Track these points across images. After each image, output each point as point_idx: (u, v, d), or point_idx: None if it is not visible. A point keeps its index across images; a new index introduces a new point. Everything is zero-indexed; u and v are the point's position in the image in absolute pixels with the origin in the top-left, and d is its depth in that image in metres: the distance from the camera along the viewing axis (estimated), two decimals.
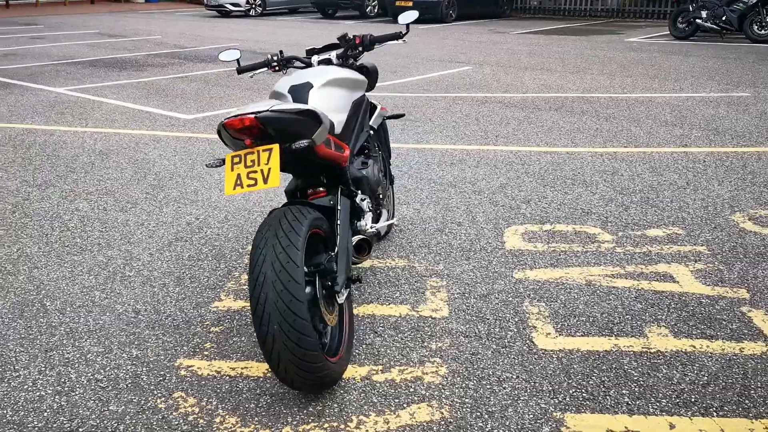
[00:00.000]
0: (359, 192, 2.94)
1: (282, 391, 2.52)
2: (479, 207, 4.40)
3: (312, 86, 2.91)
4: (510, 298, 3.21)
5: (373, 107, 3.45)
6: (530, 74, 9.74)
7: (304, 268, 2.47)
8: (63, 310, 3.13)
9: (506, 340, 2.85)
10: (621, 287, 3.30)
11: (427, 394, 2.50)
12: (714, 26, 13.27)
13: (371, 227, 2.90)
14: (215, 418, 2.38)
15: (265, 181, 2.25)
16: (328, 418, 2.37)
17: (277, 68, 3.33)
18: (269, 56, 3.30)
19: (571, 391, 2.51)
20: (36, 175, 5.14)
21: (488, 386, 2.55)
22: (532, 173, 5.10)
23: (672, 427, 2.30)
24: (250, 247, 3.75)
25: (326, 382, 2.37)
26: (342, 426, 2.33)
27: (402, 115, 3.83)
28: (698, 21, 13.39)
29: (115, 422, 2.35)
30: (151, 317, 3.06)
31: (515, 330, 2.93)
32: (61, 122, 6.88)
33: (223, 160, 2.40)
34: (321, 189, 2.88)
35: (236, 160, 2.30)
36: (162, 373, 2.64)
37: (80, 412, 2.41)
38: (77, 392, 2.52)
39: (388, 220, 3.25)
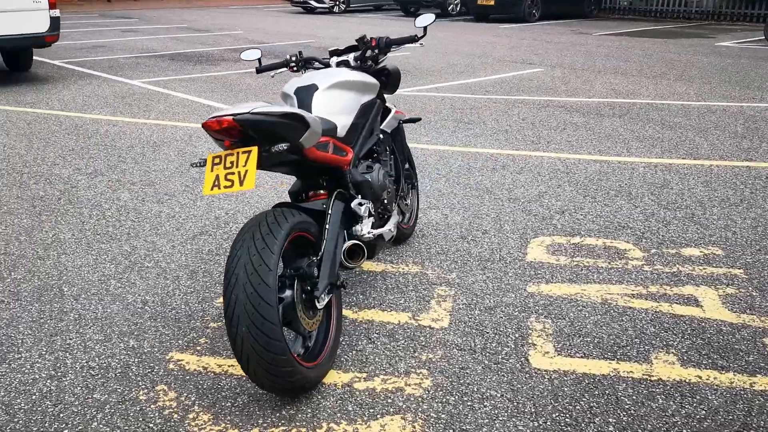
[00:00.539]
0: (359, 196, 2.91)
1: (260, 393, 2.53)
2: (510, 215, 4.28)
3: (317, 88, 2.91)
4: (516, 313, 3.10)
5: (387, 110, 3.41)
6: (602, 78, 9.41)
7: (283, 271, 2.47)
8: (78, 296, 3.26)
9: (500, 357, 2.76)
10: (638, 308, 3.14)
11: (404, 406, 2.45)
12: None
13: (370, 233, 2.86)
14: (189, 413, 2.42)
15: (241, 183, 2.25)
16: (298, 423, 2.36)
17: (295, 69, 3.34)
18: (288, 56, 3.32)
19: (554, 415, 2.40)
20: (89, 164, 5.37)
21: (469, 403, 2.47)
22: (575, 182, 4.92)
23: None
24: None
25: (297, 387, 2.36)
26: None
27: (418, 119, 3.77)
28: None
29: (95, 410, 2.42)
30: (156, 309, 3.14)
31: (512, 346, 2.83)
32: (126, 113, 7.17)
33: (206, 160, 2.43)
34: (321, 192, 2.87)
35: (217, 160, 2.32)
36: (151, 365, 2.71)
37: (66, 397, 2.49)
38: (68, 378, 2.61)
39: (393, 225, 3.20)
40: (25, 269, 3.54)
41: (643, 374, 2.64)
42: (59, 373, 2.64)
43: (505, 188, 4.79)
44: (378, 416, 2.40)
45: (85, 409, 2.43)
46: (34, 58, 11.19)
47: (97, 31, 15.77)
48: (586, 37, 14.75)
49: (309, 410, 2.43)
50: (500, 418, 2.38)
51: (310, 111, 2.87)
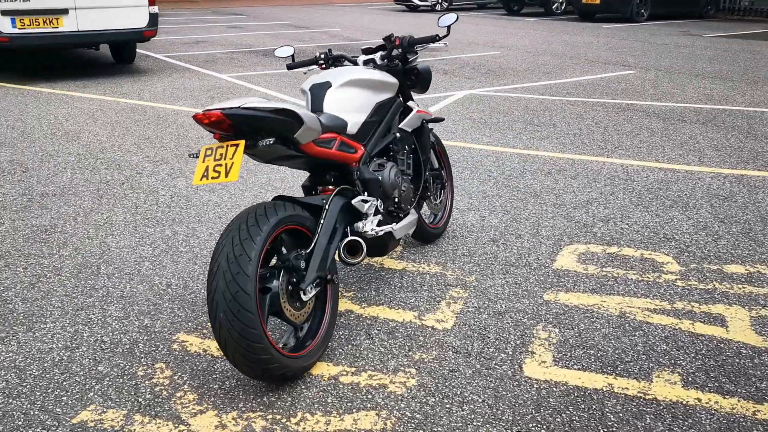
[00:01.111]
0: (365, 193, 2.94)
1: (247, 379, 2.61)
2: (550, 221, 4.17)
3: (330, 85, 2.97)
4: (525, 320, 3.04)
5: (408, 110, 3.41)
6: (697, 82, 8.93)
7: (265, 261, 2.54)
8: (111, 275, 3.48)
9: (494, 362, 2.72)
10: (656, 324, 2.99)
11: (383, 403, 2.47)
12: None
13: (373, 230, 2.88)
14: (178, 392, 2.54)
15: (227, 174, 2.34)
16: (275, 410, 2.43)
17: (324, 66, 3.41)
18: (318, 54, 3.39)
19: (531, 425, 2.35)
20: (158, 152, 5.68)
21: (448, 405, 2.45)
22: (630, 190, 4.72)
23: None
24: None
25: (275, 375, 2.42)
26: (285, 420, 2.38)
27: (441, 119, 3.74)
28: None
29: (95, 381, 2.59)
30: (178, 292, 3.31)
31: (509, 353, 2.78)
32: (206, 105, 7.51)
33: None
34: (330, 187, 2.93)
35: (208, 152, 2.42)
36: (157, 343, 2.86)
37: (73, 368, 2.68)
38: (80, 350, 2.80)
39: (407, 224, 3.21)
40: (72, 247, 3.81)
41: (639, 392, 2.52)
42: (74, 345, 2.84)
43: (553, 193, 4.67)
44: (353, 410, 2.43)
45: (87, 379, 2.60)
46: (140, 51, 11.91)
47: (205, 27, 16.55)
48: (694, 39, 14.01)
49: (289, 399, 2.50)
50: (474, 423, 2.35)
51: (322, 108, 2.93)
